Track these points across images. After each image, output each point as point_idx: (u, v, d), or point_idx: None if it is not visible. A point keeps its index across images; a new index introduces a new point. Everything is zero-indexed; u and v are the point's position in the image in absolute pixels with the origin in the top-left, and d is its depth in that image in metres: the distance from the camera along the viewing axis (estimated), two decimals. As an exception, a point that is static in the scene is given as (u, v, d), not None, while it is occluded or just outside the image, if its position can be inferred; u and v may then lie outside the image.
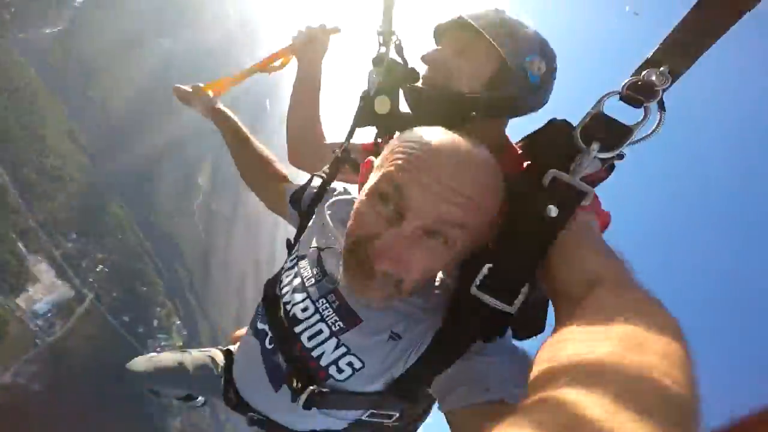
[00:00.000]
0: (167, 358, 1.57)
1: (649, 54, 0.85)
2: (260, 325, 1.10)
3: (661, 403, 0.36)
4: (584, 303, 0.60)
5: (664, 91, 0.83)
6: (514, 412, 0.37)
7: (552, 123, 1.02)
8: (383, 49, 1.32)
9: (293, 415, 1.08)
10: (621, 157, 0.93)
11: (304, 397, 0.93)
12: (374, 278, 0.81)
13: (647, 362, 0.40)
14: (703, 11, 0.76)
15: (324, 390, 0.93)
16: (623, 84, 0.86)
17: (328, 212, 1.12)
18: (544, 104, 1.26)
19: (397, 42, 1.33)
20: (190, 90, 1.62)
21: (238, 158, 1.53)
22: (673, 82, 0.83)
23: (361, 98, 1.33)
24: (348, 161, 1.25)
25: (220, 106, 1.59)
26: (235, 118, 1.56)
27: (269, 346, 1.05)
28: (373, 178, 0.86)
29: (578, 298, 0.66)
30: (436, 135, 0.83)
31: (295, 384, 0.95)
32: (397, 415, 1.01)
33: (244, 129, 1.54)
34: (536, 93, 1.19)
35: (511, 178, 0.92)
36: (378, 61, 1.32)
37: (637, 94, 0.84)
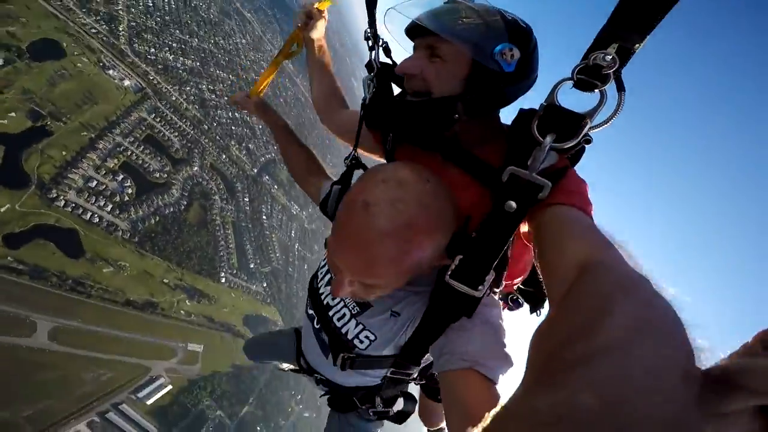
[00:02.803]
0: (270, 336, 2.37)
1: (598, 33, 0.79)
2: (309, 311, 1.46)
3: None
4: (573, 288, 0.61)
5: (616, 72, 0.82)
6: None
7: (519, 114, 1.10)
8: (373, 54, 1.42)
9: (341, 375, 1.46)
10: (588, 141, 0.96)
11: (339, 361, 1.29)
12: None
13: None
14: None
15: (352, 355, 1.28)
16: (573, 69, 0.85)
17: None
18: (533, 82, 1.22)
19: (384, 44, 1.43)
20: (244, 96, 1.86)
21: (285, 153, 1.77)
22: (625, 61, 0.80)
23: (362, 106, 1.44)
24: (359, 167, 1.47)
25: (269, 105, 1.83)
26: (283, 117, 1.81)
27: (317, 326, 1.41)
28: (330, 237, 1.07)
29: (568, 283, 0.66)
30: (366, 216, 0.91)
31: (333, 350, 1.32)
32: (416, 374, 1.38)
33: (290, 126, 1.79)
34: (516, 80, 1.15)
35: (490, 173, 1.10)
36: (369, 66, 1.44)
37: (589, 78, 0.84)
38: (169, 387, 56.27)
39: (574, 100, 0.92)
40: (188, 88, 76.49)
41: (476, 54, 1.11)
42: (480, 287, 0.96)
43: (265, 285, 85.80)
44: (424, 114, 1.19)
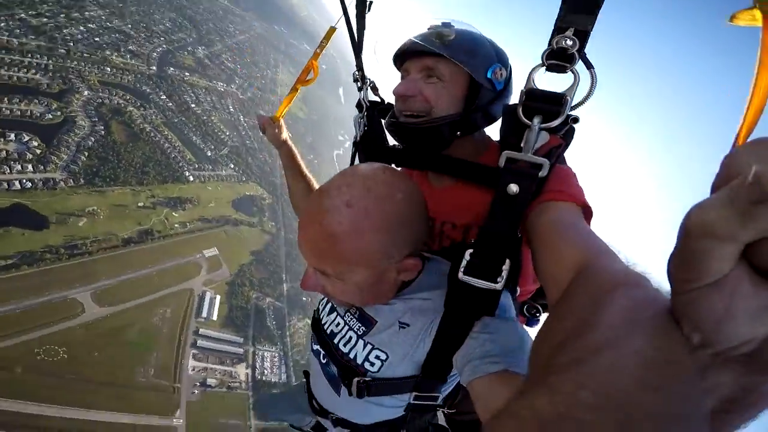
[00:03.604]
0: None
1: (555, 21, 0.89)
2: (314, 347, 1.36)
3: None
4: (566, 291, 0.61)
5: (579, 51, 0.89)
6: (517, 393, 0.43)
7: (504, 112, 1.13)
8: (362, 93, 1.54)
9: (356, 410, 1.32)
10: (575, 120, 1.01)
11: (354, 388, 1.15)
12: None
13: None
14: None
15: (366, 380, 1.15)
16: (542, 54, 0.93)
17: None
18: (511, 99, 1.32)
19: (372, 84, 1.56)
20: (270, 118, 1.86)
21: (289, 180, 1.83)
22: (584, 40, 0.88)
23: (354, 144, 1.58)
24: None
25: (288, 140, 1.86)
26: (298, 155, 1.86)
27: (324, 361, 1.30)
28: None
29: (564, 286, 0.67)
30: (318, 199, 0.97)
31: (345, 380, 1.19)
32: (440, 397, 1.23)
33: (303, 165, 1.85)
34: (504, 97, 1.29)
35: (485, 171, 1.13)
36: (359, 105, 1.55)
37: (558, 62, 0.91)
38: (218, 297, 59.60)
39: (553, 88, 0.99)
40: (2, 24, 63.86)
41: (475, 73, 1.21)
42: (499, 279, 0.93)
43: (232, 166, 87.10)
44: (429, 133, 1.24)
